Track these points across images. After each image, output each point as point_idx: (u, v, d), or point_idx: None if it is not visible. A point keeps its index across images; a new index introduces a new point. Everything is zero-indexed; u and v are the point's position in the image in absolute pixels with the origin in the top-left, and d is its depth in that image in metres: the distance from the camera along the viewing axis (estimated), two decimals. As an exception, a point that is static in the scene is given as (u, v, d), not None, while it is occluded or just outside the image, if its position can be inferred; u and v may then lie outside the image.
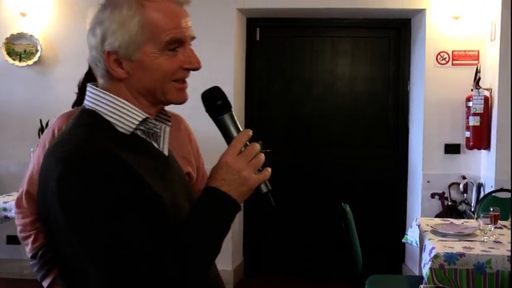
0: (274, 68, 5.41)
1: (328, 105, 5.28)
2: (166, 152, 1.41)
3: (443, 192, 4.83)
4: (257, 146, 1.30)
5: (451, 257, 2.96)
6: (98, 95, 1.33)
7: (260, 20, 5.35)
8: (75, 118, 1.35)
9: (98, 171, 1.19)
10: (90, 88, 1.35)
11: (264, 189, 1.32)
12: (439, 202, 4.84)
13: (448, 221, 3.76)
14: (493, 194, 4.27)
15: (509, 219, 3.56)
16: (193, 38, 1.35)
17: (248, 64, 5.39)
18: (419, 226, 3.68)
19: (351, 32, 5.26)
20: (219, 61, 4.97)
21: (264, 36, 5.39)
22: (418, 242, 3.71)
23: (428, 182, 4.86)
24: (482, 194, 4.55)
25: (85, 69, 2.22)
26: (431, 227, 3.48)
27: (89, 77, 2.09)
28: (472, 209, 4.59)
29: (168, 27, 1.29)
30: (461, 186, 4.79)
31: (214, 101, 1.33)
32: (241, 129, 1.32)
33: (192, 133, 2.23)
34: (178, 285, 1.21)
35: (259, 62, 5.40)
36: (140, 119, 1.32)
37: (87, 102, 1.34)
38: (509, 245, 3.13)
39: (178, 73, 1.32)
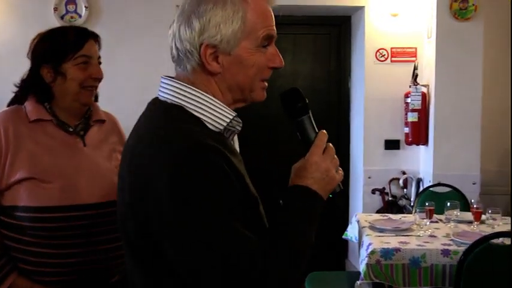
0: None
1: (270, 102, 5.22)
2: (238, 149, 1.46)
3: (384, 188, 4.89)
4: (333, 147, 1.37)
5: (387, 253, 2.98)
6: (182, 90, 1.32)
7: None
8: (158, 112, 1.33)
9: (214, 168, 1.20)
10: (169, 81, 1.34)
11: (338, 188, 1.39)
12: (380, 197, 4.90)
13: (386, 216, 3.80)
14: (431, 189, 4.34)
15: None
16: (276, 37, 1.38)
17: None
18: (358, 222, 3.71)
19: (291, 29, 5.26)
20: (159, 62, 4.87)
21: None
22: (357, 238, 3.73)
23: (369, 177, 4.92)
24: (421, 189, 4.63)
25: (24, 68, 2.10)
26: (370, 222, 3.51)
27: (32, 77, 2.02)
28: (412, 204, 4.66)
29: (265, 24, 1.33)
30: (401, 181, 4.85)
31: (295, 103, 1.38)
32: (317, 130, 1.38)
33: (124, 135, 2.20)
34: (288, 281, 1.24)
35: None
36: (231, 117, 1.34)
37: (168, 96, 1.33)
38: (444, 238, 3.18)
39: (265, 72, 1.36)
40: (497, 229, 3.29)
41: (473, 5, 4.40)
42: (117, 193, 1.37)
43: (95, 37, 2.07)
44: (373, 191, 4.90)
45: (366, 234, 3.31)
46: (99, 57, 2.08)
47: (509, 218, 3.70)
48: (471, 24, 4.44)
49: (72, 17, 4.66)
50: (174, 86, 1.33)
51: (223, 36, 1.29)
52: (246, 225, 1.21)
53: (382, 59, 4.87)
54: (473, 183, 4.50)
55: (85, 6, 4.64)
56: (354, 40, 5.20)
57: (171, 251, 1.21)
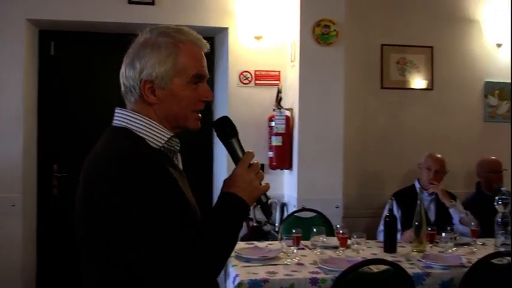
0: (71, 86, 5.00)
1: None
2: (181, 167, 1.73)
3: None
4: (259, 164, 1.64)
5: (255, 284, 2.82)
6: (130, 116, 1.60)
7: (54, 33, 4.93)
8: (109, 134, 1.60)
9: (152, 170, 1.47)
10: (120, 110, 1.63)
11: (264, 199, 1.65)
12: (244, 223, 4.75)
13: (252, 244, 3.66)
14: (296, 214, 4.28)
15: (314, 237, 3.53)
16: (208, 77, 1.67)
17: (42, 81, 4.92)
18: (223, 251, 3.52)
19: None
20: (6, 78, 4.47)
21: (60, 51, 4.97)
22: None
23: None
24: (286, 214, 4.56)
25: None
26: (236, 252, 3.33)
27: None
28: (276, 229, 4.57)
29: (195, 65, 1.62)
30: (266, 206, 4.74)
31: (224, 128, 1.65)
32: (245, 150, 1.65)
33: None
34: (210, 268, 1.52)
35: (55, 78, 4.96)
36: (169, 136, 1.63)
37: (118, 122, 1.61)
38: (311, 266, 3.09)
39: (197, 104, 1.63)
40: (362, 254, 3.29)
41: (334, 30, 4.44)
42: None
43: None
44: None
45: (232, 264, 3.13)
46: None
47: (372, 242, 3.72)
48: (333, 49, 4.48)
49: None
50: (123, 114, 1.62)
51: (158, 74, 1.57)
52: (183, 223, 1.47)
53: (246, 81, 4.79)
54: (336, 207, 4.51)
55: None
56: (217, 62, 5.07)
57: (119, 246, 1.45)
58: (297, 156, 4.53)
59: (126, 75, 1.62)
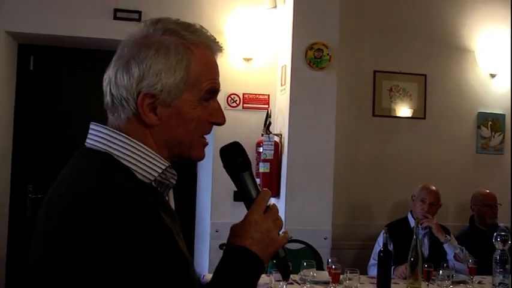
0: (50, 102, 4.78)
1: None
2: (173, 206, 1.33)
3: (233, 242, 4.55)
4: (277, 207, 1.27)
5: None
6: (113, 137, 1.19)
7: (34, 47, 4.72)
8: (82, 159, 1.20)
9: (128, 215, 1.07)
10: (97, 127, 1.22)
11: (282, 253, 1.29)
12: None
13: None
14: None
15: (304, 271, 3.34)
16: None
17: (19, 97, 4.70)
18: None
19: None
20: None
21: (40, 66, 4.76)
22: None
23: (216, 231, 4.55)
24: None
25: None
26: (220, 285, 3.12)
27: None
28: (262, 260, 4.36)
29: (210, 76, 1.24)
30: (250, 235, 4.54)
31: (235, 158, 1.29)
32: (259, 188, 1.28)
33: None
34: None
35: (33, 94, 4.74)
36: (164, 167, 1.23)
37: (96, 143, 1.21)
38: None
39: (206, 127, 1.27)
40: (356, 291, 3.10)
41: (328, 54, 4.29)
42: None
43: None
44: (221, 246, 4.53)
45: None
46: None
47: (363, 277, 3.54)
48: (325, 74, 4.32)
49: None
50: (102, 132, 1.21)
51: (164, 86, 1.18)
52: (169, 282, 1.11)
53: (234, 104, 4.61)
54: (325, 238, 4.32)
55: None
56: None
57: None
58: (285, 184, 4.34)
59: (117, 82, 1.21)
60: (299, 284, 3.29)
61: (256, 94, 4.65)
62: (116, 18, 4.42)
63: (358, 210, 4.95)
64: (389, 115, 5.00)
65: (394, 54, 5.02)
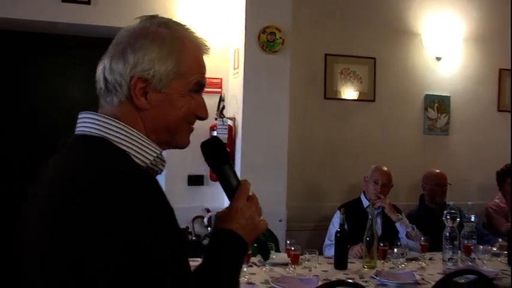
0: (14, 91, 4.61)
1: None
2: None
3: (187, 227, 4.54)
4: (256, 196, 1.39)
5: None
6: (107, 123, 1.23)
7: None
8: (80, 145, 1.23)
9: (152, 196, 1.13)
10: (90, 115, 1.26)
11: (263, 237, 1.40)
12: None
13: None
14: (239, 228, 4.09)
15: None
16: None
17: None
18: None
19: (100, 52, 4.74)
20: None
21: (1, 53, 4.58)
22: None
23: (171, 216, 4.52)
24: (226, 227, 4.37)
25: None
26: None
27: None
28: (218, 244, 4.37)
29: (198, 70, 1.32)
30: (205, 219, 4.54)
31: (216, 153, 1.39)
32: (239, 178, 1.39)
33: None
34: None
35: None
36: (158, 152, 1.28)
37: (90, 130, 1.23)
38: (263, 285, 2.93)
39: (192, 118, 1.33)
40: (314, 271, 3.15)
41: (280, 38, 4.30)
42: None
43: None
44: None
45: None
46: None
47: (321, 258, 3.59)
48: (278, 57, 4.34)
49: None
50: (97, 120, 1.24)
51: (156, 72, 1.26)
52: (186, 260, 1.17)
53: (187, 89, 4.57)
54: (280, 220, 4.36)
55: None
56: (155, 68, 4.82)
57: None
58: (240, 168, 4.35)
59: (112, 67, 1.26)
60: (258, 267, 3.31)
61: (208, 78, 4.58)
62: (64, 1, 4.30)
63: (311, 191, 5.02)
64: (341, 98, 5.07)
65: (344, 37, 5.08)
